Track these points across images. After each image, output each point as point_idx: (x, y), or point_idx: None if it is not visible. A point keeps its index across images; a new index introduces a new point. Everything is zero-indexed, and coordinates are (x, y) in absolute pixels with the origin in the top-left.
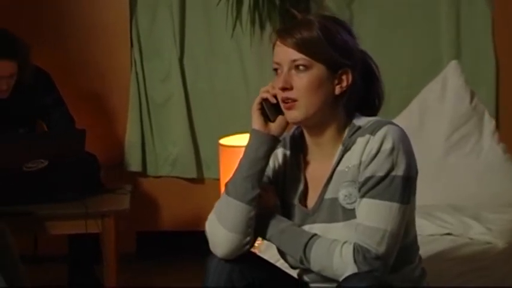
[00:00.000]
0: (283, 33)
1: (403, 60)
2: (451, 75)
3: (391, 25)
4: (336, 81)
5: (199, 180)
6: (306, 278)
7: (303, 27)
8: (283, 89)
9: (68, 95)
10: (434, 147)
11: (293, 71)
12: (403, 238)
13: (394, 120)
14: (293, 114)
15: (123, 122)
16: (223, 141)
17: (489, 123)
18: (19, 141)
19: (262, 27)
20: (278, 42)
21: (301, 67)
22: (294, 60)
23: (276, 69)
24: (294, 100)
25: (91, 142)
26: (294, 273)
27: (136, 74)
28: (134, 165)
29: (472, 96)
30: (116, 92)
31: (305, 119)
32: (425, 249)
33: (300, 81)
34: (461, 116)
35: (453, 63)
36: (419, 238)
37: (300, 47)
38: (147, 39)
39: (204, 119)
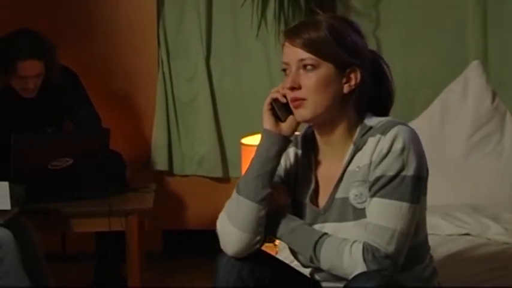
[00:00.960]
0: (291, 34)
1: (430, 60)
2: (473, 75)
3: (418, 25)
4: (344, 80)
5: (225, 179)
6: (317, 276)
7: (311, 28)
8: (292, 89)
9: (96, 95)
10: (455, 147)
11: (301, 71)
12: (414, 238)
13: (416, 121)
14: (302, 113)
15: (150, 121)
16: (245, 140)
17: (511, 124)
18: (44, 140)
19: (287, 27)
20: (286, 43)
21: (308, 66)
22: (302, 60)
23: (284, 70)
24: (303, 99)
25: (118, 141)
26: (306, 272)
27: (163, 73)
28: (161, 164)
29: (494, 96)
30: (143, 92)
31: (313, 117)
32: (442, 249)
33: (308, 80)
34: (482, 116)
35: (475, 64)
36: (437, 238)
37: (308, 46)
38: (174, 39)
39: (229, 118)
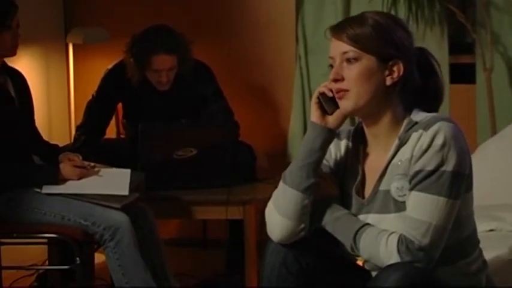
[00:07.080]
0: (337, 29)
1: None
2: None
3: None
4: (387, 72)
5: None
6: (367, 266)
7: (356, 23)
8: (335, 81)
9: (235, 89)
10: None
11: (344, 63)
12: (458, 233)
13: None
14: (344, 104)
15: (286, 115)
16: None
17: None
18: (170, 130)
19: (417, 23)
20: (332, 38)
21: (351, 59)
22: (345, 53)
23: (331, 65)
24: (346, 90)
25: (256, 133)
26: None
27: (301, 68)
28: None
29: None
30: (281, 86)
31: (356, 108)
32: None
33: (350, 72)
34: None
35: None
36: None
37: (351, 40)
38: (312, 36)
39: None
